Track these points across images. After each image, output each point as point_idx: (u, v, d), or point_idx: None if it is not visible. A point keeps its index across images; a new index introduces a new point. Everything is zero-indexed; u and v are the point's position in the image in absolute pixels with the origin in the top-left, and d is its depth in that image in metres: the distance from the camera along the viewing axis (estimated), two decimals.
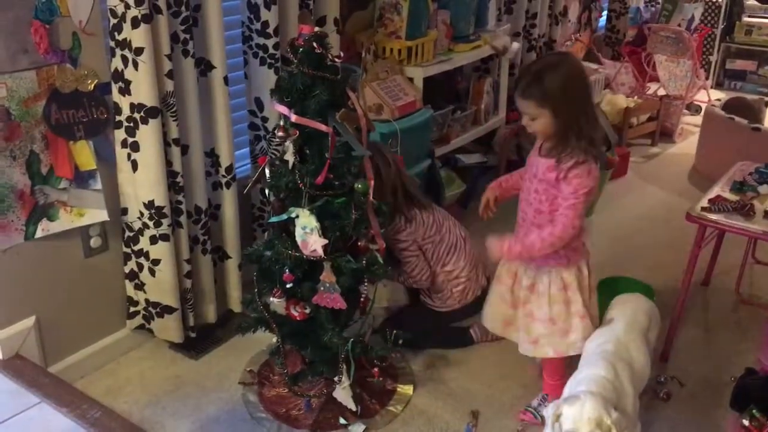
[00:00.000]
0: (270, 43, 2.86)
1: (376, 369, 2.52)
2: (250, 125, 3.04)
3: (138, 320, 2.82)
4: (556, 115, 2.12)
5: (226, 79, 2.72)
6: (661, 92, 5.66)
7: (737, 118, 4.44)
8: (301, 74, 2.21)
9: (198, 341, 2.91)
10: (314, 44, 2.18)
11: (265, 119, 3.00)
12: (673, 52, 5.43)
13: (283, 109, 2.25)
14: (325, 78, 2.22)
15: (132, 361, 2.84)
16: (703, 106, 5.35)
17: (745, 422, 1.94)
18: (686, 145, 5.31)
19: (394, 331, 2.53)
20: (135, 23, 2.32)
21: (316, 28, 2.25)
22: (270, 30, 2.83)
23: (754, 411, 1.94)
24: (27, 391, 2.35)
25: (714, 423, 2.52)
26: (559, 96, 2.10)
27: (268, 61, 2.89)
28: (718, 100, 4.97)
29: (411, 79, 3.50)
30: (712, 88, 6.46)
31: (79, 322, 2.68)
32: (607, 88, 5.42)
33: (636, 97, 5.38)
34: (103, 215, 2.61)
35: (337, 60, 2.22)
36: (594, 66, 5.21)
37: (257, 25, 2.84)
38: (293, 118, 2.22)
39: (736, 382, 2.14)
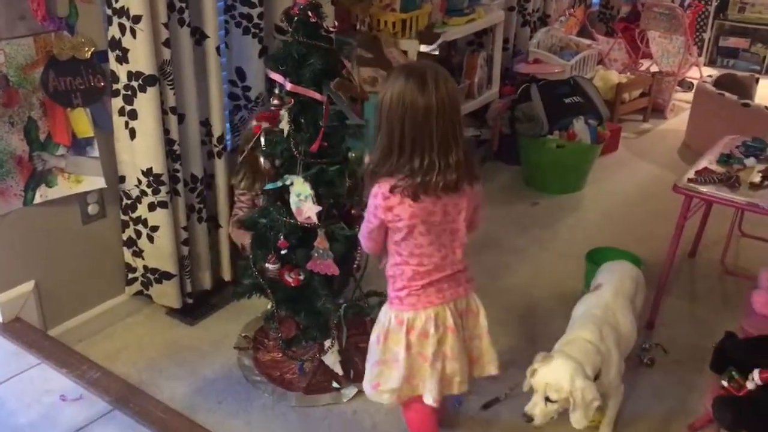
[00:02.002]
0: (255, 12, 2.88)
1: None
2: (230, 95, 3.06)
3: (137, 286, 2.87)
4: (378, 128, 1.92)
5: (218, 49, 2.75)
6: (654, 68, 5.70)
7: (727, 94, 4.49)
8: (296, 43, 2.24)
9: (194, 307, 2.97)
10: (309, 13, 2.21)
11: (247, 88, 3.02)
12: (666, 29, 5.46)
13: (278, 77, 2.29)
14: (320, 47, 2.25)
15: (130, 326, 2.89)
16: (695, 82, 5.40)
17: (725, 383, 2.01)
18: (677, 121, 5.37)
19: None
20: None
21: None
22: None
23: (733, 372, 2.01)
24: (27, 353, 2.41)
25: (695, 388, 2.60)
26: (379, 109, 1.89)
27: (252, 30, 2.91)
28: (710, 76, 5.02)
29: (405, 52, 3.53)
30: (704, 65, 6.50)
31: (78, 288, 2.73)
32: (599, 64, 5.46)
33: (628, 73, 5.42)
34: (100, 182, 2.65)
35: (331, 30, 2.25)
36: (587, 42, 5.24)
37: None
38: (288, 86, 2.26)
39: (717, 345, 2.21)
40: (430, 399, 2.02)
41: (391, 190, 1.85)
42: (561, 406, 2.07)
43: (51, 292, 2.65)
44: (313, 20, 2.22)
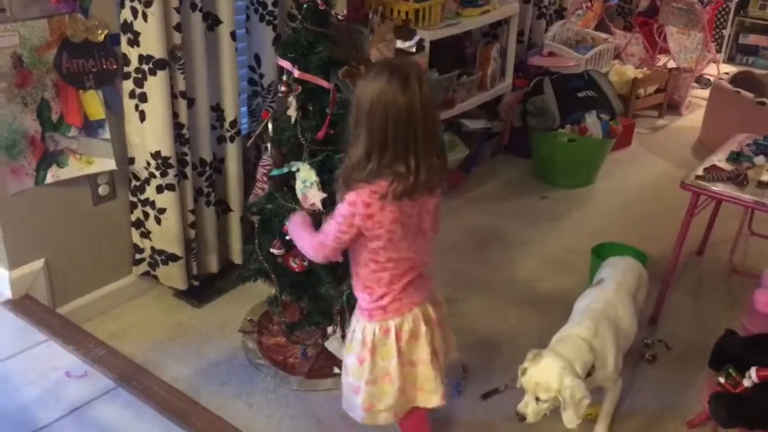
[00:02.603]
0: (269, 0, 2.90)
1: None
2: (249, 80, 3.09)
3: (143, 267, 2.91)
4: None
5: (233, 35, 2.77)
6: (671, 64, 5.65)
7: (743, 92, 4.45)
8: (305, 30, 2.26)
9: (200, 290, 3.01)
10: (318, 1, 2.23)
11: (261, 75, 3.05)
12: (685, 24, 5.41)
13: (286, 64, 2.30)
14: (328, 35, 2.27)
15: (136, 307, 2.94)
16: (712, 79, 5.35)
17: (721, 380, 2.01)
18: (693, 117, 5.33)
19: None
20: None
21: None
22: None
23: (730, 370, 2.01)
24: (35, 329, 2.45)
25: (696, 385, 2.60)
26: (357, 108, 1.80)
27: (267, 18, 2.93)
28: (726, 73, 4.97)
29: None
30: (724, 62, 6.43)
31: (87, 267, 2.78)
32: (616, 58, 5.42)
33: (645, 69, 5.38)
34: (111, 164, 2.69)
35: (340, 17, 2.27)
36: (604, 36, 5.21)
37: None
38: (296, 73, 2.27)
39: (716, 342, 2.20)
40: (436, 400, 1.98)
41: (376, 197, 1.74)
42: (552, 405, 2.09)
43: (60, 270, 2.70)
44: (322, 8, 2.23)
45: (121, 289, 2.92)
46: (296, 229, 2.06)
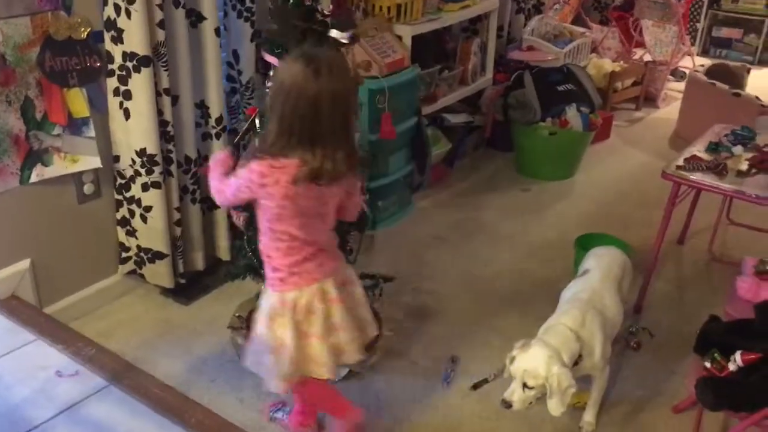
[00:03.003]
0: None
1: None
2: (228, 77, 3.07)
3: (130, 265, 2.90)
4: None
5: (217, 31, 2.77)
6: (647, 58, 5.73)
7: (719, 84, 4.53)
8: (291, 26, 2.26)
9: (187, 288, 3.00)
10: None
11: (240, 72, 3.04)
12: (660, 18, 5.49)
13: (272, 60, 2.31)
14: (314, 30, 2.27)
15: (124, 305, 2.93)
16: (688, 72, 5.43)
17: (707, 364, 2.05)
18: (669, 110, 5.41)
19: (378, 278, 2.63)
20: None
21: None
22: None
23: (715, 354, 2.05)
24: (23, 329, 2.43)
25: (680, 371, 2.65)
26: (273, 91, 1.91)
27: (245, 14, 2.93)
28: (702, 65, 5.05)
29: (399, 37, 3.55)
30: (698, 55, 6.54)
31: (73, 267, 2.76)
32: (593, 52, 5.49)
33: (622, 62, 5.45)
34: (96, 162, 2.67)
35: (327, 13, 2.27)
36: (581, 30, 5.27)
37: None
38: None
39: (700, 328, 2.25)
40: (326, 373, 2.02)
41: (272, 171, 1.80)
42: (538, 392, 2.12)
43: (47, 270, 2.68)
44: (308, 3, 2.24)
45: (108, 288, 2.90)
46: (214, 166, 2.08)
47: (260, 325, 2.01)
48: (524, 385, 2.12)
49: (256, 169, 1.83)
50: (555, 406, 2.13)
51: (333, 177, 1.83)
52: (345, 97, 1.82)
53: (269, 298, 1.99)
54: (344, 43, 2.25)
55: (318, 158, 1.79)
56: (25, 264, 2.61)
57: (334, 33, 2.25)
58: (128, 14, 2.45)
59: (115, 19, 2.48)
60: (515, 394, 2.13)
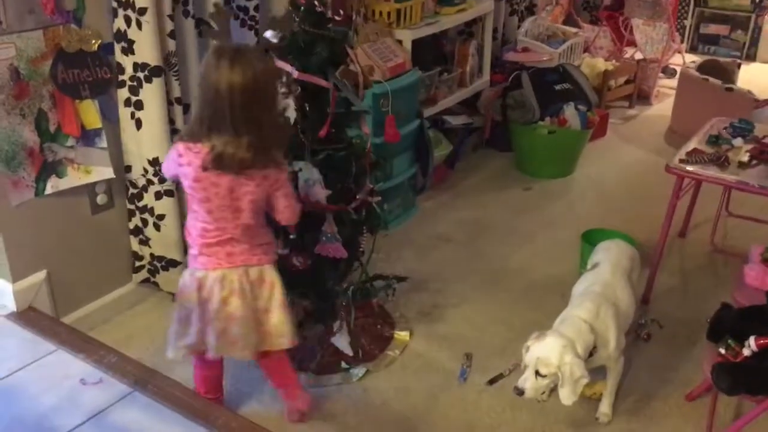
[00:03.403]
0: (251, 5, 2.94)
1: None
2: None
3: (143, 274, 2.93)
4: None
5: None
6: (638, 56, 5.81)
7: (711, 79, 4.60)
8: (302, 32, 2.31)
9: None
10: (315, 3, 2.28)
11: None
12: (650, 16, 5.58)
13: (284, 65, 2.35)
14: (325, 36, 2.32)
15: (138, 313, 2.95)
16: (678, 69, 5.51)
17: (722, 350, 2.10)
18: (662, 106, 5.48)
19: (391, 278, 2.68)
20: None
21: None
22: None
23: (729, 341, 2.10)
24: (43, 340, 2.45)
25: (690, 359, 2.71)
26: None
27: (249, 23, 2.97)
28: (693, 62, 5.13)
29: (400, 42, 3.60)
30: (686, 52, 6.62)
31: (88, 277, 2.79)
32: (585, 51, 5.56)
33: (614, 61, 5.52)
34: (109, 172, 2.70)
35: (337, 19, 2.32)
36: (573, 30, 5.34)
37: None
38: (296, 74, 2.32)
39: (713, 316, 2.30)
40: (211, 353, 2.15)
41: (187, 152, 1.97)
42: (551, 381, 2.18)
43: (62, 281, 2.70)
44: (319, 9, 2.28)
45: (122, 297, 2.93)
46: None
47: (176, 296, 2.22)
48: (537, 373, 2.17)
49: (176, 147, 2.02)
50: (566, 395, 2.18)
51: (238, 164, 1.94)
52: (251, 90, 1.92)
53: (184, 273, 2.17)
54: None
55: (221, 144, 1.93)
56: (41, 275, 2.63)
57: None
58: (139, 25, 2.48)
59: (125, 30, 2.51)
60: (528, 381, 2.18)
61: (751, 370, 2.02)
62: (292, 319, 2.24)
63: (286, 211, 2.14)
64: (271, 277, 2.17)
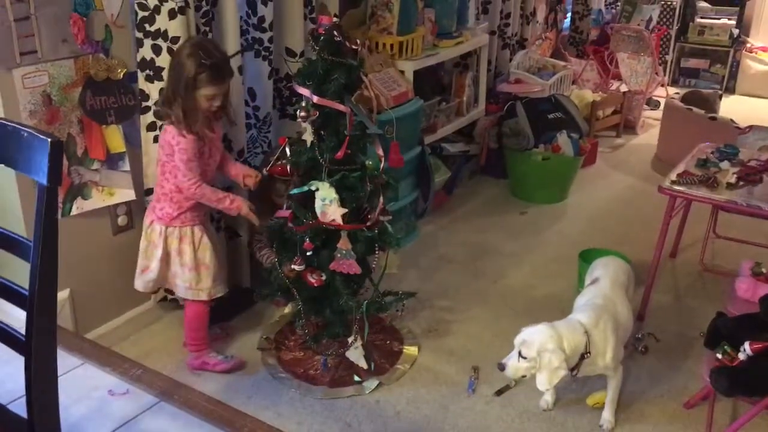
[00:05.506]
0: (265, 36, 3.09)
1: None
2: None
3: (161, 293, 3.02)
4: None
5: (240, 69, 2.95)
6: (623, 88, 6.04)
7: (695, 109, 4.82)
8: (321, 60, 2.46)
9: (214, 313, 3.11)
10: (334, 33, 2.44)
11: (256, 108, 3.22)
12: (635, 50, 5.83)
13: (305, 92, 2.50)
14: (343, 63, 2.48)
15: (155, 332, 3.04)
16: (662, 101, 5.75)
17: (719, 356, 2.23)
18: (647, 136, 5.71)
19: (401, 294, 2.80)
20: (172, 14, 2.56)
21: (334, 19, 2.50)
22: (266, 24, 3.07)
23: (725, 347, 2.24)
24: (68, 354, 2.52)
25: (685, 370, 2.85)
26: None
27: (263, 53, 3.12)
28: (677, 93, 5.36)
29: (402, 72, 3.77)
30: (668, 84, 6.89)
31: (108, 295, 2.88)
32: (573, 84, 5.78)
33: (601, 92, 5.75)
34: (131, 194, 2.81)
35: (355, 47, 2.48)
36: (562, 63, 5.57)
37: (254, 20, 3.07)
38: (315, 99, 2.47)
39: (709, 324, 2.44)
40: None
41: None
42: (531, 366, 2.32)
43: (84, 299, 2.79)
44: (338, 39, 2.44)
45: (141, 316, 3.02)
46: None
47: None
48: (520, 354, 2.32)
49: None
50: (541, 381, 2.33)
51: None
52: (174, 67, 2.49)
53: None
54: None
55: None
56: (64, 294, 2.72)
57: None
58: (170, 53, 2.62)
59: (152, 58, 2.65)
60: (511, 359, 2.36)
61: (747, 372, 2.15)
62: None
63: (178, 175, 2.57)
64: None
